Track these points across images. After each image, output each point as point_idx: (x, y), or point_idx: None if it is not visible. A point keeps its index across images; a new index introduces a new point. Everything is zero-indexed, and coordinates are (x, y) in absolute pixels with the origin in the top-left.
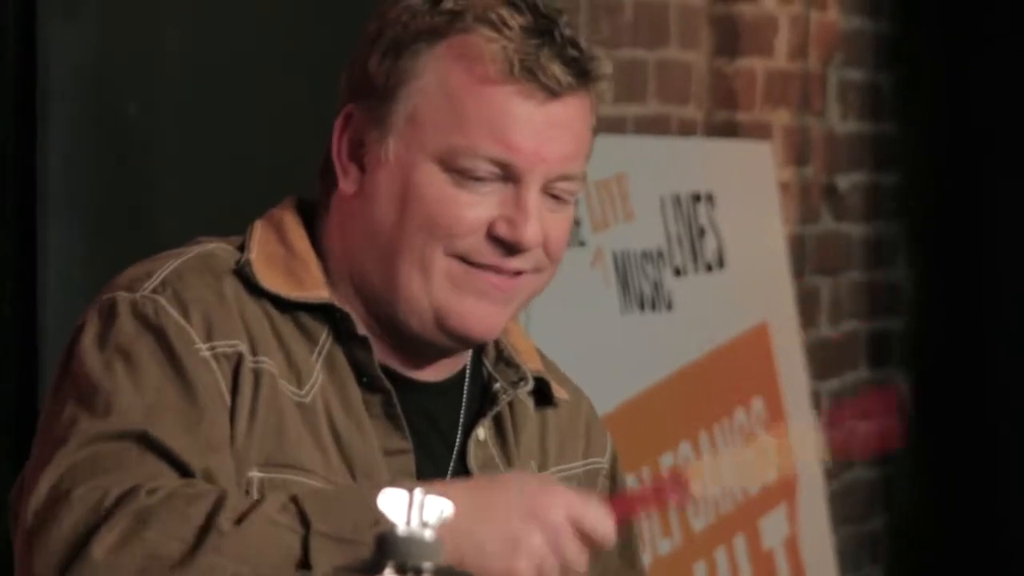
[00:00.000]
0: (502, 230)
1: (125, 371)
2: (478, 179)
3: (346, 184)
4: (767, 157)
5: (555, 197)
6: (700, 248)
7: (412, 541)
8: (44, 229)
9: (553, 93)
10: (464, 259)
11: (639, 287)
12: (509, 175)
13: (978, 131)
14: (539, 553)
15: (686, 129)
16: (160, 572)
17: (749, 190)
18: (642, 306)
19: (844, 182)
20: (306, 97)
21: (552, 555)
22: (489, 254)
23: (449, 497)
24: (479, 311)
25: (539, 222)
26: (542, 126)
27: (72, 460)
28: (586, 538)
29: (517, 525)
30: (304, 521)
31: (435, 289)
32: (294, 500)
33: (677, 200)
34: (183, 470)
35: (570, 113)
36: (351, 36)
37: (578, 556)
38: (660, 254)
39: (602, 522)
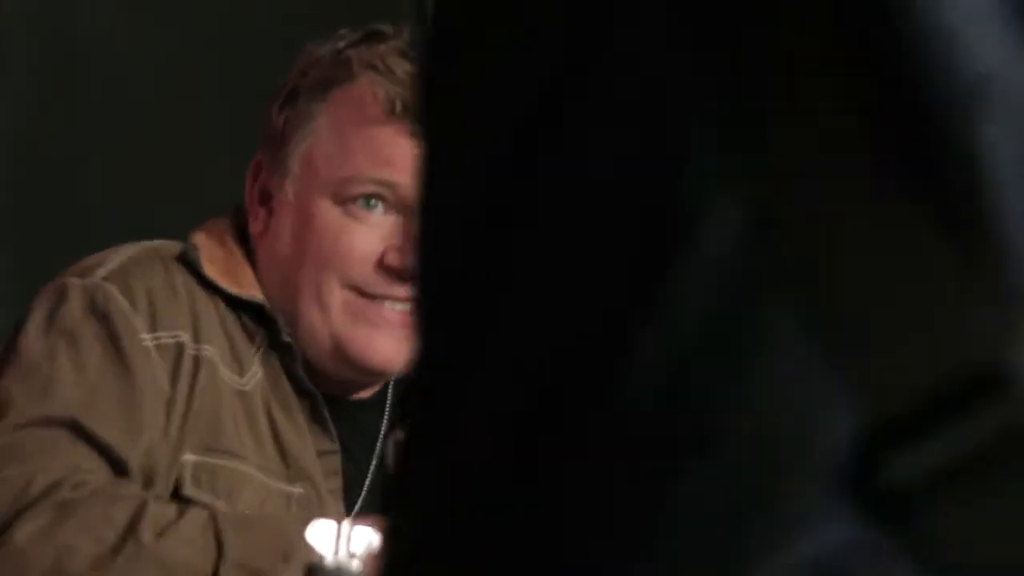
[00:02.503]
0: (391, 259)
1: (67, 354)
2: (368, 209)
3: (255, 225)
4: None
5: None
6: None
7: (340, 572)
8: None
9: None
10: (360, 291)
11: None
12: (398, 203)
13: None
14: None
15: None
16: (74, 567)
17: None
18: None
19: None
20: (234, 134)
21: None
22: (382, 284)
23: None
24: (378, 341)
25: None
26: None
27: (3, 442)
28: None
29: None
30: (219, 546)
31: (333, 320)
32: (214, 521)
33: None
34: (113, 460)
35: None
36: (280, 74)
37: None
38: None
39: None
